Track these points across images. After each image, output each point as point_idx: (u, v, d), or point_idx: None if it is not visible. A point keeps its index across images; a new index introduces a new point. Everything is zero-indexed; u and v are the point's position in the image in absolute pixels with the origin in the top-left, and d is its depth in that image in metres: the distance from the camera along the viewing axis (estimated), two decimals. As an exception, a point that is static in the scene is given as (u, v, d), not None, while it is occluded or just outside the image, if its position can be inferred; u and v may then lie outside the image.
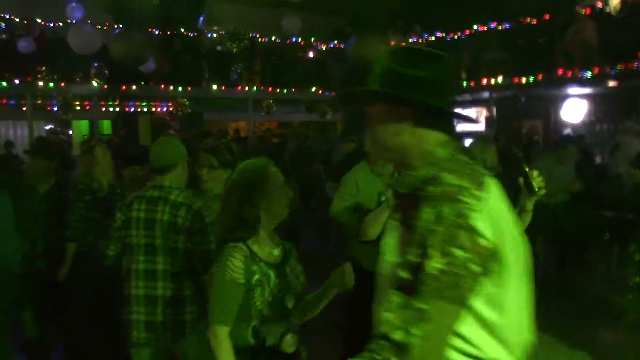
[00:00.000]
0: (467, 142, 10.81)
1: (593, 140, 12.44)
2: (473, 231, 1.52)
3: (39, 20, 11.74)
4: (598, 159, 11.26)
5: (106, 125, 17.66)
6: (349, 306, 4.73)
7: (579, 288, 7.00)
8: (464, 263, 1.51)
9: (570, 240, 6.90)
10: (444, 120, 1.76)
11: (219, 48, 13.66)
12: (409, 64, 1.69)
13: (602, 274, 7.46)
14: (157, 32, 12.85)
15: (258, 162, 2.53)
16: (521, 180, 3.05)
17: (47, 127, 17.37)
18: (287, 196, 2.50)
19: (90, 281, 4.46)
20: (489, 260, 1.56)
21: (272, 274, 2.41)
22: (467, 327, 1.59)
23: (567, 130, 12.64)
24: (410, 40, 14.89)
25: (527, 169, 3.05)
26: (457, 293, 1.52)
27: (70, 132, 17.72)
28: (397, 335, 1.54)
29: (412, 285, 1.54)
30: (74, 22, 10.42)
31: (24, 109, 12.83)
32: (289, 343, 2.46)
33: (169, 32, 13.19)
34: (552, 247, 7.20)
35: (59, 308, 4.85)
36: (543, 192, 3.02)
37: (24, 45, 10.51)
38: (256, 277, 2.37)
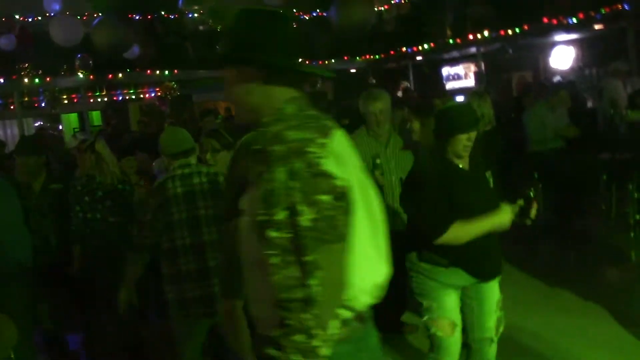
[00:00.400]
0: (459, 99, 10.81)
1: (583, 85, 12.42)
2: (327, 175, 1.60)
3: (17, 17, 11.60)
4: (590, 104, 11.25)
5: (96, 116, 17.58)
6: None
7: (581, 232, 7.06)
8: (330, 205, 1.58)
9: (569, 186, 6.93)
10: (292, 78, 1.82)
11: (201, 28, 13.52)
12: (252, 25, 1.77)
13: (603, 216, 7.53)
14: (137, 17, 12.71)
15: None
16: (521, 202, 3.19)
17: (37, 124, 17.30)
18: None
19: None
20: (347, 196, 1.63)
21: None
22: None
23: (557, 78, 12.61)
24: (393, 1, 14.81)
25: (531, 195, 3.16)
26: (335, 232, 1.60)
27: (61, 127, 17.65)
28: (298, 294, 1.55)
29: (290, 242, 1.56)
30: (52, 14, 10.27)
31: (12, 107, 12.76)
32: None
33: (149, 17, 13.05)
34: (550, 194, 7.23)
35: (75, 302, 4.89)
36: (530, 222, 3.20)
37: (5, 42, 10.40)
38: None
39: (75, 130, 16.06)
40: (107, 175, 4.35)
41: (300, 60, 1.90)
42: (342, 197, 1.62)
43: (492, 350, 3.40)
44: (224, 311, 2.32)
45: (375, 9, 14.93)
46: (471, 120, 3.20)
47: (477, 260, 3.20)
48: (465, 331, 3.41)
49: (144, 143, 7.20)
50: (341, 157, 1.69)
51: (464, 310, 3.37)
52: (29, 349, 3.96)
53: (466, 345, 3.44)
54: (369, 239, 1.80)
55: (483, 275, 3.27)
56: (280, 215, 1.55)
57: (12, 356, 3.76)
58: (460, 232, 3.09)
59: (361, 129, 4.65)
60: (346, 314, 1.72)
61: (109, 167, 4.37)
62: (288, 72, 1.81)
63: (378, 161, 4.39)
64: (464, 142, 3.15)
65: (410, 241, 3.30)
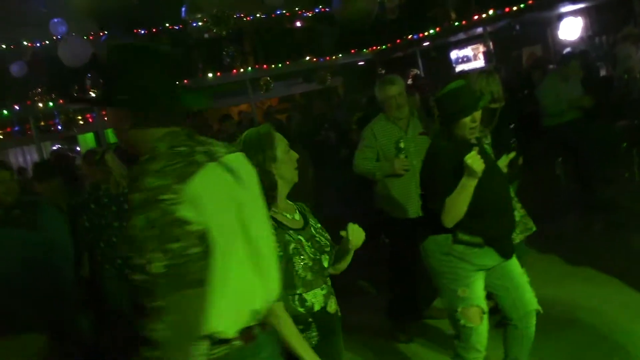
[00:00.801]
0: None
1: (595, 53, 12.27)
2: (181, 222, 1.67)
3: (25, 43, 11.75)
4: (603, 72, 11.11)
5: (111, 134, 17.73)
6: (391, 255, 4.84)
7: (606, 201, 6.99)
8: (182, 251, 1.66)
9: (590, 156, 6.86)
10: (164, 115, 1.85)
11: (206, 36, 13.57)
12: (120, 65, 1.79)
13: (626, 183, 7.45)
14: (143, 32, 12.81)
15: (261, 129, 2.52)
16: (512, 155, 3.46)
17: (55, 147, 17.51)
18: (294, 159, 2.51)
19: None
20: (204, 240, 1.71)
21: (302, 238, 2.42)
22: None
23: (567, 49, 12.47)
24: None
25: (513, 145, 3.21)
26: (187, 279, 1.67)
27: (78, 148, 17.85)
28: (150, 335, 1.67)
29: (146, 287, 1.66)
30: (59, 37, 10.38)
31: (29, 132, 12.92)
32: (332, 304, 2.50)
33: (155, 30, 13.14)
34: (571, 166, 7.18)
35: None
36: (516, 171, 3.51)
37: (16, 69, 10.54)
38: (292, 245, 2.36)
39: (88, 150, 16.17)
40: (112, 185, 4.42)
41: (174, 92, 1.87)
42: (198, 242, 1.69)
43: (534, 323, 3.40)
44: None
45: (378, -1, 14.92)
46: (471, 101, 3.16)
47: (506, 239, 3.22)
48: (506, 313, 3.40)
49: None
50: (200, 199, 1.73)
51: (498, 293, 3.36)
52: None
53: (508, 327, 3.43)
54: (249, 268, 1.90)
55: (509, 253, 3.29)
56: (137, 260, 1.63)
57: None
58: (452, 207, 3.07)
59: (379, 117, 4.70)
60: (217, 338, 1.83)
61: (115, 178, 4.43)
62: (157, 111, 1.83)
63: (402, 144, 4.45)
64: (469, 124, 3.14)
65: (438, 224, 3.26)
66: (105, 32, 11.35)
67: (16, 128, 13.60)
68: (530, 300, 3.35)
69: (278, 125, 11.28)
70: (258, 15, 14.31)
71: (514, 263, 3.36)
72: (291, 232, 2.41)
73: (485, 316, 3.28)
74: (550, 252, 5.87)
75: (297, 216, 2.53)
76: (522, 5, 11.67)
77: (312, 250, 2.42)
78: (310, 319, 2.40)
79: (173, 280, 1.66)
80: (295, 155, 2.53)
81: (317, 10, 15.14)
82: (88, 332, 5.01)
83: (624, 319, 4.24)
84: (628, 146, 7.24)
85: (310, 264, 2.39)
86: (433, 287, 4.76)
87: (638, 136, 6.99)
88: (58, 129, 13.59)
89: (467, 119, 3.12)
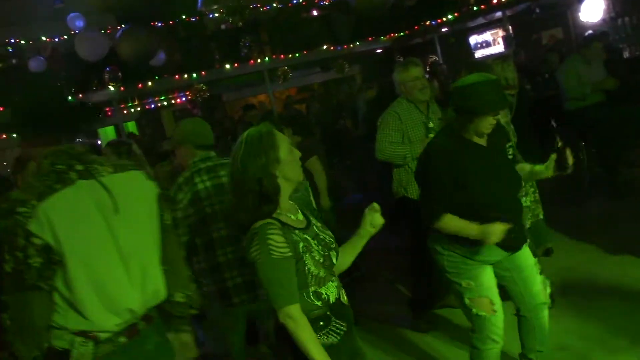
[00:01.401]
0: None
1: (617, 35, 12.03)
2: (29, 234, 2.02)
3: (44, 38, 11.80)
4: (626, 54, 10.89)
5: (131, 127, 17.85)
6: (413, 242, 4.77)
7: (630, 184, 6.86)
8: (24, 260, 2.02)
9: (614, 139, 6.73)
10: (47, 136, 2.27)
11: (223, 27, 13.55)
12: (10, 93, 2.26)
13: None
14: (160, 25, 12.80)
15: (262, 128, 2.40)
16: (553, 156, 3.14)
17: (76, 141, 17.68)
18: (297, 157, 2.43)
19: None
20: (48, 253, 2.05)
21: (308, 237, 2.37)
22: (58, 304, 2.11)
23: (589, 32, 12.24)
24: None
25: (560, 145, 3.08)
26: (25, 283, 2.04)
27: (99, 142, 17.99)
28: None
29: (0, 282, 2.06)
30: (77, 32, 10.41)
31: (51, 127, 13.01)
32: (344, 296, 2.49)
33: (172, 22, 13.14)
34: (595, 149, 7.06)
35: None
36: (570, 170, 3.15)
37: (34, 65, 10.59)
38: (301, 245, 2.31)
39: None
40: None
41: (57, 114, 2.29)
42: (38, 254, 2.03)
43: (546, 314, 3.33)
44: (284, 319, 2.29)
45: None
46: (498, 97, 3.04)
47: (510, 235, 3.11)
48: (516, 305, 3.36)
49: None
50: (52, 217, 2.04)
51: (506, 284, 3.31)
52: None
53: (520, 318, 3.39)
54: (121, 274, 2.21)
55: (515, 247, 3.23)
56: None
57: None
58: (447, 225, 3.08)
59: (399, 101, 4.61)
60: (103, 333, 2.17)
61: (147, 167, 4.44)
62: (39, 133, 2.18)
63: (431, 125, 4.37)
64: (491, 121, 3.04)
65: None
66: (123, 26, 11.36)
67: (37, 123, 13.69)
68: (538, 293, 3.29)
69: (297, 115, 11.35)
70: (274, 5, 14.23)
71: (523, 254, 3.29)
72: (297, 231, 2.36)
73: (499, 306, 3.21)
74: (575, 238, 5.78)
75: (300, 216, 2.48)
76: (542, -13, 11.50)
77: (320, 247, 2.38)
78: (328, 313, 2.37)
79: (14, 282, 2.03)
80: (298, 153, 2.45)
81: (333, -1, 15.01)
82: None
83: None
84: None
85: (322, 260, 2.35)
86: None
87: (664, 118, 6.83)
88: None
89: (490, 116, 3.02)
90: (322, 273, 2.35)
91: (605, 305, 4.32)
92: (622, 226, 5.78)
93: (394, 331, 4.78)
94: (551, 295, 4.40)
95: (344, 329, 2.40)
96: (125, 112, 15.26)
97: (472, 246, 3.09)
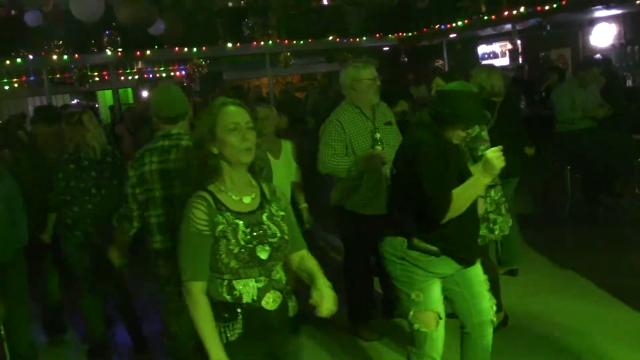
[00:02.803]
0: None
1: (624, 63, 11.90)
2: None
3: (44, -8, 11.62)
4: (629, 82, 10.77)
5: (130, 94, 17.74)
6: (348, 248, 4.61)
7: (610, 215, 6.76)
8: None
9: (599, 166, 6.62)
10: None
11: (230, 4, 13.41)
12: None
13: (634, 200, 7.20)
14: (166, -6, 12.64)
15: (217, 101, 2.33)
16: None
17: (74, 101, 17.57)
18: (241, 139, 2.26)
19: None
20: None
21: (240, 223, 2.25)
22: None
23: (597, 56, 12.11)
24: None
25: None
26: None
27: (97, 105, 17.89)
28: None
29: None
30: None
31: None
32: (269, 300, 2.30)
33: (178, -8, 12.97)
34: (579, 176, 6.95)
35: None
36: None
37: (31, 18, 10.42)
38: (220, 227, 2.21)
39: (69, 108, 16.20)
40: (89, 147, 4.29)
41: None
42: None
43: (490, 332, 3.21)
44: (184, 292, 2.27)
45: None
46: (476, 113, 2.91)
47: (467, 248, 3.02)
48: (461, 321, 3.23)
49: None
50: None
51: (454, 299, 3.19)
52: (23, 323, 3.93)
53: (463, 335, 3.26)
54: None
55: (469, 262, 3.10)
56: None
57: (2, 332, 3.75)
58: (458, 202, 2.85)
59: (342, 106, 4.29)
60: None
61: (91, 139, 4.29)
62: None
63: (377, 135, 4.13)
64: (462, 133, 2.93)
65: (396, 227, 3.10)
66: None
67: (31, 78, 13.56)
68: (486, 309, 3.16)
69: (292, 101, 11.17)
70: (285, -12, 14.08)
71: (475, 269, 3.16)
72: (228, 214, 2.25)
73: (442, 322, 3.10)
74: (546, 262, 5.66)
75: (249, 199, 2.33)
76: (554, 5, 11.33)
77: (248, 237, 2.24)
78: (238, 310, 2.25)
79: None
80: (237, 136, 2.27)
81: (346, -10, 14.82)
82: (55, 292, 4.96)
83: (608, 344, 3.99)
84: (641, 162, 6.98)
85: (236, 250, 2.21)
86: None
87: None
88: (73, 82, 13.53)
89: (462, 128, 2.91)
90: (233, 264, 2.21)
91: (536, 353, 4.05)
92: (591, 257, 5.66)
93: (341, 339, 4.63)
94: (504, 320, 4.30)
95: (237, 334, 2.25)
96: (122, 78, 15.13)
97: (428, 254, 2.99)
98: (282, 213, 2.40)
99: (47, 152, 4.72)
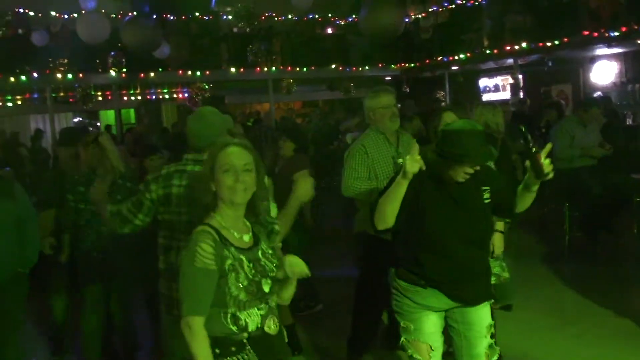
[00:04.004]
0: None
1: (625, 101, 11.98)
2: None
3: (53, 13, 11.77)
4: (629, 121, 10.83)
5: (132, 114, 17.78)
6: (362, 275, 4.60)
7: (608, 255, 6.73)
8: None
9: (598, 205, 6.61)
10: None
11: (235, 30, 13.54)
12: None
13: (632, 239, 7.18)
14: (172, 18, 12.78)
15: (222, 141, 2.40)
16: (528, 163, 2.87)
17: (76, 120, 17.63)
18: (234, 180, 2.31)
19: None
20: None
21: (244, 258, 2.30)
22: None
23: (597, 93, 12.19)
24: (430, 9, 14.59)
25: (534, 151, 2.88)
26: None
27: (99, 124, 17.96)
28: None
29: None
30: (83, 12, 10.37)
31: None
32: (271, 325, 2.37)
33: (184, 17, 13.11)
34: (578, 213, 6.94)
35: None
36: (551, 175, 2.83)
37: (38, 38, 10.53)
38: (229, 262, 2.25)
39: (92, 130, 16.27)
40: (108, 169, 4.25)
41: None
42: None
43: None
44: (183, 326, 2.27)
45: (413, 16, 14.77)
46: (483, 152, 2.90)
47: (457, 283, 2.97)
48: (454, 356, 3.20)
49: (174, 142, 7.20)
50: None
51: (452, 334, 3.16)
52: (10, 345, 3.90)
53: None
54: None
55: (464, 299, 3.05)
56: None
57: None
58: (380, 200, 2.95)
59: (368, 132, 4.38)
60: None
61: (111, 161, 4.26)
62: None
63: (400, 160, 4.13)
64: (468, 170, 2.93)
65: (392, 256, 3.15)
66: (134, 13, 11.31)
67: (35, 95, 13.64)
68: (478, 354, 3.12)
69: (293, 127, 11.22)
70: (290, 16, 14.22)
71: (479, 313, 3.10)
72: (232, 249, 2.30)
73: (436, 354, 3.07)
74: (543, 300, 5.62)
75: (247, 237, 2.41)
76: (556, 42, 11.46)
77: (253, 272, 2.30)
78: (244, 340, 2.29)
79: None
80: (244, 179, 2.33)
81: (349, 20, 15.00)
82: (60, 313, 4.93)
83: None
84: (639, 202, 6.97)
85: (245, 283, 2.26)
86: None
87: (652, 193, 6.73)
88: (76, 101, 13.59)
89: (469, 166, 2.89)
90: (242, 296, 2.26)
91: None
92: (590, 293, 5.63)
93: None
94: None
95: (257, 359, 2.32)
96: (125, 98, 15.20)
97: (414, 284, 2.98)
98: (270, 252, 2.47)
99: (71, 173, 4.72)
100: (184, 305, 2.24)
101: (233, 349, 2.28)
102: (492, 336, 3.17)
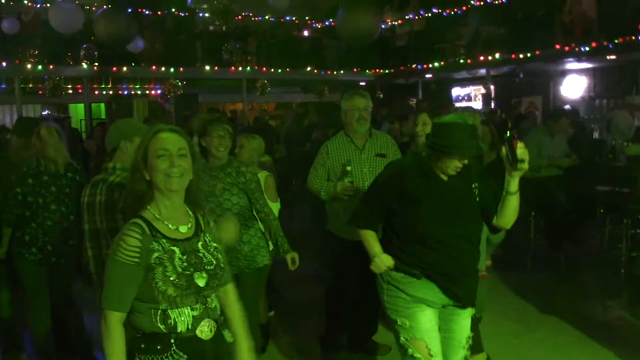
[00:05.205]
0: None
1: (592, 115, 12.22)
2: None
3: (25, 2, 11.57)
4: (596, 134, 11.05)
5: (102, 109, 17.55)
6: (335, 278, 4.61)
7: (572, 264, 6.84)
8: None
9: (562, 215, 6.72)
10: None
11: (211, 28, 13.46)
12: None
13: (595, 249, 7.31)
14: (147, 13, 12.65)
15: (154, 127, 2.32)
16: (504, 149, 2.84)
17: (44, 112, 17.32)
18: (169, 165, 2.23)
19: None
20: None
21: (176, 250, 2.20)
22: None
23: (567, 106, 12.42)
24: (407, 17, 14.70)
25: (509, 135, 2.87)
26: None
27: (70, 117, 17.65)
28: None
29: None
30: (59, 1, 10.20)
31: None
32: (205, 329, 2.25)
33: (159, 13, 12.99)
34: (543, 222, 7.04)
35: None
36: (526, 166, 2.81)
37: (7, 26, 10.32)
38: (155, 255, 2.15)
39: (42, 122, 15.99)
40: (49, 162, 4.22)
41: None
42: None
43: None
44: (101, 320, 2.20)
45: (389, 22, 14.86)
46: (472, 145, 2.92)
47: (450, 277, 2.97)
48: None
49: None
50: None
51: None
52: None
53: None
54: None
55: (457, 296, 3.04)
56: None
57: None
58: (361, 233, 3.17)
59: (339, 134, 4.50)
60: None
61: (50, 153, 4.22)
62: None
63: (348, 168, 4.19)
64: (457, 164, 2.94)
65: (382, 247, 3.13)
66: (109, 6, 11.17)
67: (3, 86, 13.36)
68: None
69: (266, 128, 11.18)
70: (267, 17, 14.20)
71: (461, 323, 3.11)
72: (164, 240, 2.20)
73: (437, 352, 3.01)
74: (508, 306, 5.69)
75: (185, 228, 2.29)
76: (528, 55, 11.64)
77: (185, 264, 2.20)
78: (172, 340, 2.18)
79: None
80: (164, 163, 2.23)
81: (326, 23, 15.04)
82: (5, 308, 4.78)
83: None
84: (604, 213, 7.10)
85: (173, 277, 2.16)
86: (373, 318, 4.64)
87: (615, 204, 6.84)
88: (46, 94, 13.36)
89: (458, 159, 2.92)
90: (171, 291, 2.15)
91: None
92: (553, 300, 5.73)
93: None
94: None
95: None
96: (96, 92, 14.99)
97: (408, 274, 2.99)
98: (215, 245, 2.37)
99: (19, 162, 4.64)
100: (103, 297, 2.15)
101: (158, 347, 2.17)
102: (469, 348, 3.18)
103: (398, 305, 3.06)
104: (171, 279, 2.15)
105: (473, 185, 3.08)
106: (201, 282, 2.23)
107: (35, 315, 4.36)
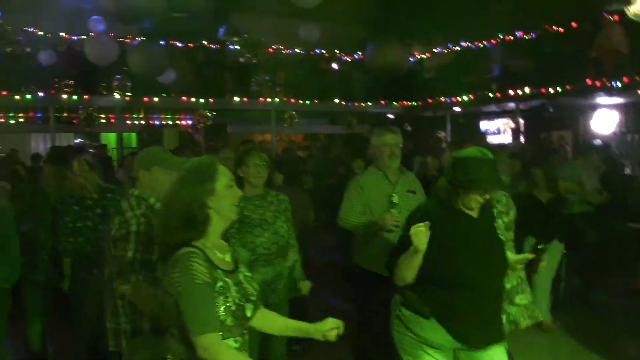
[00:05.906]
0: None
1: (624, 151, 12.03)
2: None
3: (62, 34, 11.89)
4: (628, 170, 10.85)
5: (134, 138, 17.82)
6: (360, 309, 4.58)
7: (603, 303, 6.68)
8: None
9: (595, 253, 6.59)
10: None
11: (241, 60, 13.65)
12: None
13: (628, 288, 7.14)
14: (179, 45, 12.91)
15: (207, 159, 2.39)
16: (530, 255, 3.07)
17: (77, 141, 17.66)
18: (235, 196, 2.35)
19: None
20: None
21: (229, 281, 2.24)
22: None
23: (597, 141, 12.26)
24: (435, 50, 14.74)
25: (540, 247, 2.96)
26: None
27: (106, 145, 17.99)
28: None
29: None
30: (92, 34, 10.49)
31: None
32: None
33: (191, 45, 13.24)
34: (574, 259, 6.89)
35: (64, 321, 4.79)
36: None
37: (43, 57, 10.62)
38: (219, 284, 2.19)
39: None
40: (82, 187, 4.35)
41: None
42: None
43: None
44: (200, 350, 2.16)
45: (417, 56, 14.92)
46: (493, 179, 2.89)
47: (464, 321, 2.89)
48: None
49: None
50: None
51: None
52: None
53: None
54: None
55: (469, 340, 2.92)
56: None
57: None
58: (400, 262, 2.93)
59: (369, 169, 4.54)
60: None
61: (84, 178, 4.34)
62: None
63: (395, 199, 4.15)
64: (479, 199, 2.90)
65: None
66: (142, 38, 11.44)
67: (38, 114, 13.68)
68: None
69: (295, 159, 11.25)
70: (297, 50, 14.36)
71: (491, 353, 2.97)
72: (219, 271, 2.23)
73: None
74: (540, 347, 5.56)
75: (228, 257, 2.35)
76: (559, 89, 11.55)
77: (238, 295, 2.24)
78: None
79: None
80: (238, 192, 2.37)
81: (355, 56, 15.15)
82: (37, 341, 4.82)
83: None
84: (636, 251, 6.94)
85: (234, 308, 2.20)
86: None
87: (649, 243, 6.70)
88: (80, 123, 13.63)
89: (479, 194, 2.88)
90: (229, 321, 2.18)
91: None
92: (582, 344, 5.58)
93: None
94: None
95: None
96: (128, 122, 15.25)
97: (417, 313, 2.94)
98: (249, 274, 2.42)
99: (50, 189, 4.77)
100: (194, 326, 2.09)
101: None
102: None
103: (404, 343, 3.03)
104: (232, 309, 2.19)
105: (497, 223, 3.06)
106: (249, 313, 2.28)
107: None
